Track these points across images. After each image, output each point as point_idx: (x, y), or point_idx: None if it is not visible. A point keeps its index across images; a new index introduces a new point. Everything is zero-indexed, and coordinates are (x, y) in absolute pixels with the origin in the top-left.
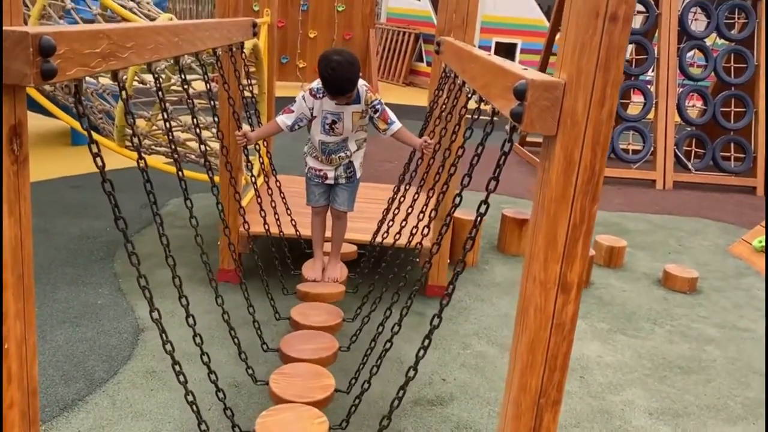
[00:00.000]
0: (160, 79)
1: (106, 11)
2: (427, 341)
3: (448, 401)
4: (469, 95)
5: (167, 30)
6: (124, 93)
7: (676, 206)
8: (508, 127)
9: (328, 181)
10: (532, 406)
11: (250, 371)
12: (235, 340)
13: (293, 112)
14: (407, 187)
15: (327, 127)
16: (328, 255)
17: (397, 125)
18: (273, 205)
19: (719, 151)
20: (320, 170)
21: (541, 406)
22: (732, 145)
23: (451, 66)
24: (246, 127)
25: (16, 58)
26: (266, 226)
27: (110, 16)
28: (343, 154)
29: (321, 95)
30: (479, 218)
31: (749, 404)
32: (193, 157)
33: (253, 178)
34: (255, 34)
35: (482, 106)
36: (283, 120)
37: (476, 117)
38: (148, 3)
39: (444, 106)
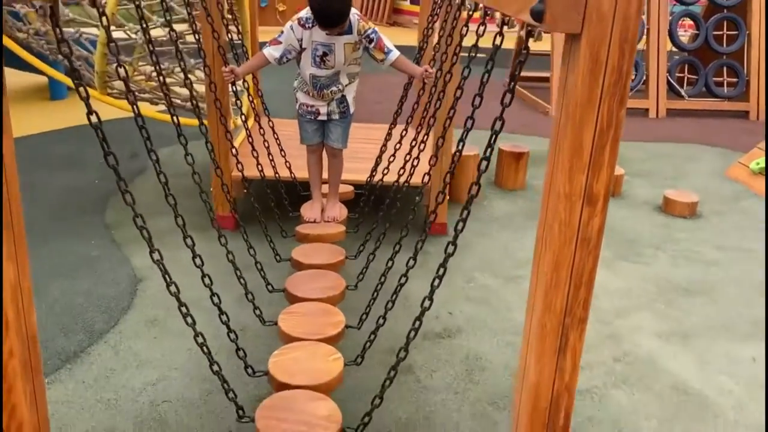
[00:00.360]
0: (144, 17)
1: None
2: (442, 270)
3: (456, 333)
4: (470, 11)
5: None
6: (105, 19)
7: (670, 134)
8: (523, 33)
9: (320, 117)
10: (557, 326)
11: (257, 312)
12: (241, 280)
13: (281, 43)
14: (408, 122)
15: (318, 59)
16: (326, 195)
17: (396, 53)
18: (267, 146)
19: (712, 77)
20: (312, 106)
21: (567, 326)
22: (725, 69)
23: None
24: (230, 67)
25: None
26: (260, 167)
27: None
28: (335, 88)
29: (310, 25)
30: (485, 162)
31: (756, 322)
32: (179, 101)
33: (243, 117)
34: None
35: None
36: (271, 52)
37: (474, 54)
38: None
39: (442, 31)
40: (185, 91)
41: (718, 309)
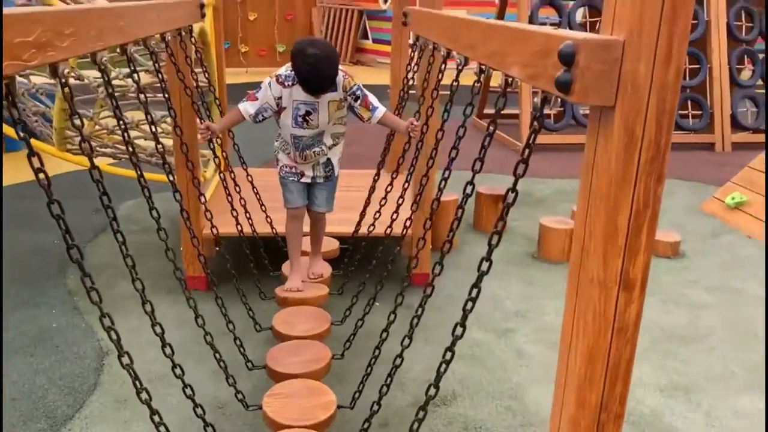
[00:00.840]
0: (106, 72)
1: None
2: (409, 334)
3: (452, 399)
4: (460, 66)
5: (110, 13)
6: (66, 90)
7: None
8: (538, 100)
9: (304, 180)
10: (592, 424)
11: (239, 396)
12: (217, 355)
13: (257, 99)
14: (393, 176)
15: (300, 119)
16: (306, 254)
17: (381, 110)
18: (243, 203)
19: (677, 110)
20: (295, 167)
21: (603, 422)
22: (689, 102)
23: (429, 36)
24: (205, 123)
25: None
26: (239, 225)
27: (33, 4)
28: (318, 149)
29: (290, 83)
30: (461, 208)
31: (755, 368)
32: (144, 156)
33: (216, 167)
34: (203, 16)
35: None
36: (246, 108)
37: (451, 103)
38: None
39: (426, 83)
40: (150, 144)
41: (715, 357)
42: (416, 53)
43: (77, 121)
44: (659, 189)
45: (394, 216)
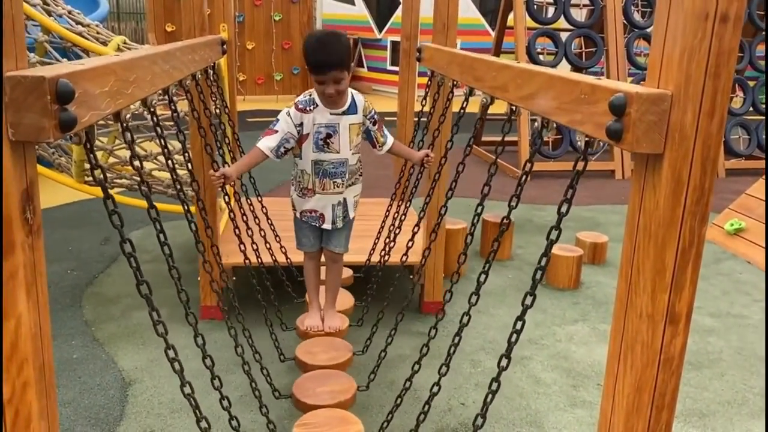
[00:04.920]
0: (155, 113)
1: (50, 35)
2: (417, 366)
3: (472, 427)
4: (486, 102)
5: (160, 58)
6: (128, 135)
7: None
8: (581, 143)
9: (324, 226)
10: None
11: (271, 426)
12: (252, 384)
13: (277, 132)
14: (408, 204)
15: (321, 142)
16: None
17: (391, 138)
18: (263, 234)
19: None
20: (315, 212)
21: None
22: None
23: (448, 74)
24: (221, 170)
25: (29, 109)
26: (257, 255)
27: (56, 42)
28: (339, 181)
29: (311, 107)
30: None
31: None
32: (161, 188)
33: (226, 199)
34: (224, 53)
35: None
36: (267, 144)
37: (456, 130)
38: (97, 25)
39: (443, 117)
40: (166, 175)
41: (726, 383)
42: (431, 87)
43: (98, 173)
44: (703, 229)
45: (410, 244)
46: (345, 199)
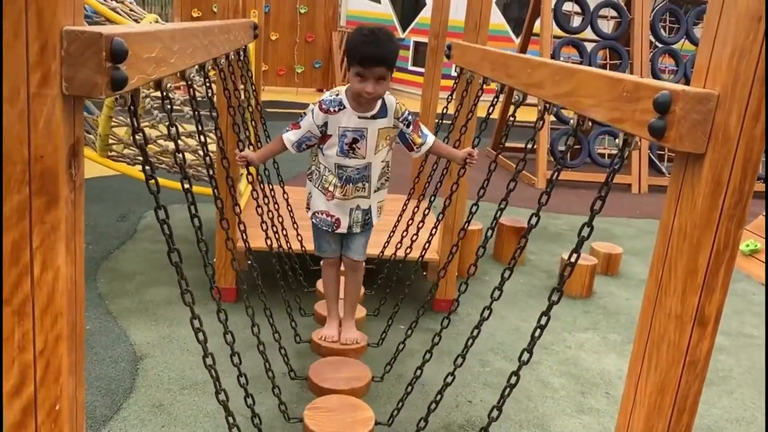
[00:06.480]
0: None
1: (83, 8)
2: (428, 355)
3: (479, 425)
4: (517, 101)
5: (201, 32)
6: (167, 103)
7: (656, 210)
8: (619, 141)
9: (340, 230)
10: None
11: (282, 407)
12: (267, 364)
13: (300, 128)
14: (421, 198)
15: (346, 147)
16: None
17: (432, 137)
18: (280, 220)
19: None
20: (331, 215)
21: None
22: None
23: (479, 71)
24: (244, 152)
25: (84, 65)
26: (277, 238)
27: (88, 17)
28: (361, 186)
29: (336, 108)
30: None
31: None
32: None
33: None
34: (256, 37)
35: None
36: (289, 137)
37: (484, 127)
38: (131, 2)
39: (470, 114)
40: (189, 156)
41: (735, 400)
42: (458, 85)
43: (144, 141)
44: (739, 233)
45: (418, 239)
46: (369, 205)
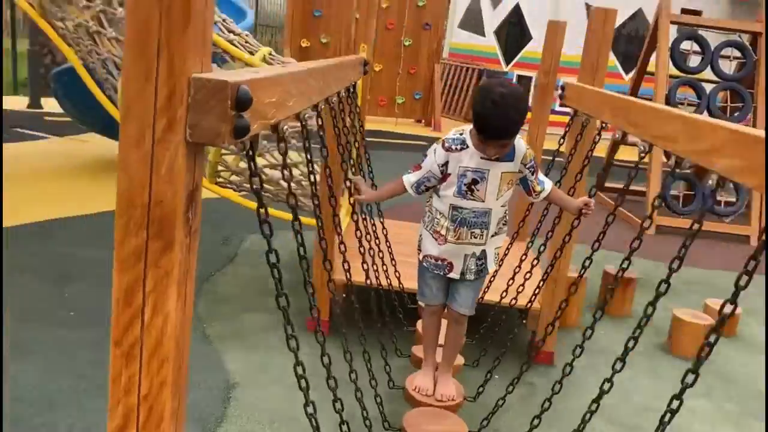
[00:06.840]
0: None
1: None
2: (537, 421)
3: None
4: (644, 152)
5: (317, 73)
6: (282, 145)
7: None
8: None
9: (452, 275)
10: None
11: None
12: (364, 413)
13: (421, 168)
14: (530, 245)
15: (464, 188)
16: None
17: (549, 183)
18: (381, 255)
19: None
20: (443, 260)
21: None
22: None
23: (599, 116)
24: (358, 180)
25: (209, 112)
26: (376, 275)
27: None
28: (478, 232)
29: (458, 147)
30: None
31: None
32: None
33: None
34: (365, 73)
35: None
36: (409, 178)
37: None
38: (246, 35)
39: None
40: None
41: None
42: (572, 127)
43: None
44: None
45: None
46: (484, 251)
